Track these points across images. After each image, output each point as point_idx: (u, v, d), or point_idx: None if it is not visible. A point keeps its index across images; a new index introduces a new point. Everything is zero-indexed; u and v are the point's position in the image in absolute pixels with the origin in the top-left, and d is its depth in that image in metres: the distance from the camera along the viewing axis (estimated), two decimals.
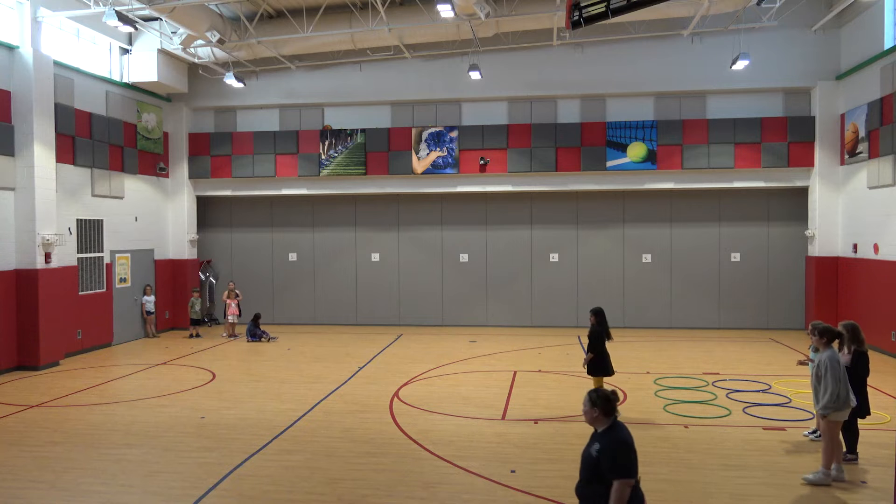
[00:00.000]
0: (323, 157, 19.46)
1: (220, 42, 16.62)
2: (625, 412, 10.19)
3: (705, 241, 19.31)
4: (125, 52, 18.20)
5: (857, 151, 16.51)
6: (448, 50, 18.85)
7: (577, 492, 4.78)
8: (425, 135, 19.04)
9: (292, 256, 20.95)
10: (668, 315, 19.40)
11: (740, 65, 16.41)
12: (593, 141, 18.44)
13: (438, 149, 18.96)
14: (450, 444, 8.94)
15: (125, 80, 18.20)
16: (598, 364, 10.15)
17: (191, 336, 18.57)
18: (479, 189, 19.25)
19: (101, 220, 17.14)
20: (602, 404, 4.72)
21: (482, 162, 18.72)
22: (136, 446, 9.00)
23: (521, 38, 18.43)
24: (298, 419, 10.26)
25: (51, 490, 7.50)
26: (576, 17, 9.24)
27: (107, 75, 17.66)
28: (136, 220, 18.52)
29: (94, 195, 16.90)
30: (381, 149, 19.23)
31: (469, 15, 15.78)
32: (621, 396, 11.08)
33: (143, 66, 18.07)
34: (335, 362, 14.80)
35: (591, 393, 4.81)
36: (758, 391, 11.79)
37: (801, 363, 9.07)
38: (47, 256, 14.62)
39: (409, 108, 19.76)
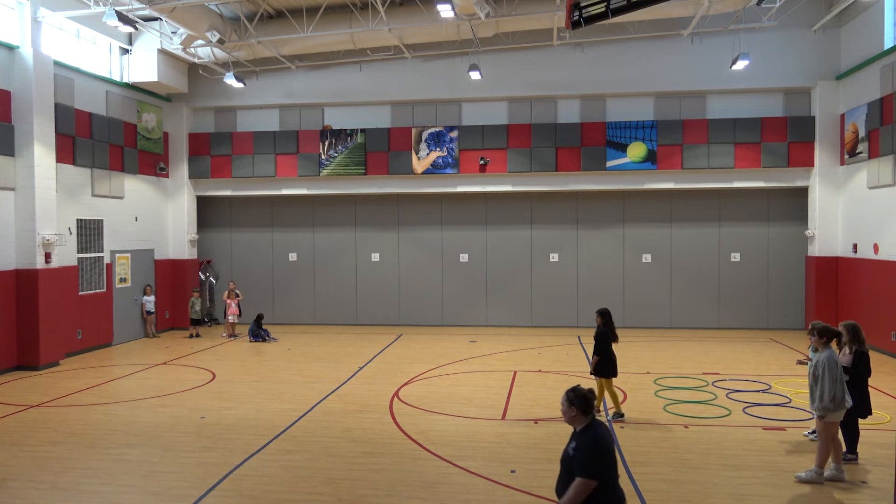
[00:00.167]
0: (323, 157, 19.46)
1: (220, 42, 16.62)
2: (625, 412, 10.20)
3: (705, 241, 19.31)
4: (125, 52, 18.20)
5: (857, 151, 16.51)
6: (448, 50, 18.85)
7: (557, 491, 4.77)
8: (425, 135, 19.04)
9: (292, 256, 20.95)
10: (668, 315, 19.40)
11: (740, 65, 16.41)
12: (593, 141, 18.44)
13: (438, 149, 18.96)
14: (450, 444, 8.94)
15: (125, 80, 18.20)
16: (605, 365, 10.07)
17: (191, 336, 18.57)
18: (479, 189, 19.25)
19: (101, 220, 17.14)
20: (580, 403, 4.72)
21: (482, 162, 18.72)
22: (136, 446, 9.00)
23: (521, 38, 18.43)
24: (298, 419, 10.26)
25: (51, 490, 7.50)
26: (576, 17, 9.24)
27: (107, 75, 17.67)
28: (136, 220, 18.53)
29: (94, 195, 16.91)
30: (381, 149, 19.23)
31: (469, 15, 15.78)
32: (621, 396, 11.08)
33: (143, 66, 18.08)
34: (335, 362, 14.80)
35: (568, 392, 4.80)
36: (758, 391, 11.79)
37: (800, 363, 9.07)
38: (47, 256, 14.62)
39: (409, 108, 19.76)
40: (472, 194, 19.86)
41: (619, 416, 10.07)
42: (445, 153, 18.93)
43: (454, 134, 18.91)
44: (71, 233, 15.96)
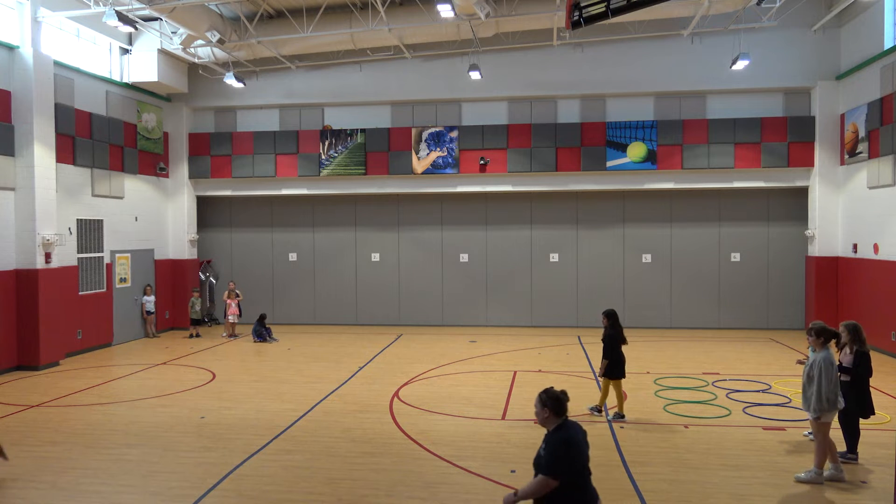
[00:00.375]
0: (323, 157, 19.46)
1: (220, 42, 16.62)
2: (625, 412, 10.19)
3: (705, 241, 19.30)
4: (125, 52, 18.20)
5: (857, 151, 16.51)
6: (448, 50, 18.85)
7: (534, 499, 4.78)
8: (425, 135, 19.04)
9: (292, 256, 20.95)
10: (668, 315, 19.40)
11: (740, 65, 16.41)
12: (593, 141, 18.44)
13: (438, 149, 18.96)
14: (450, 444, 8.94)
15: (125, 80, 18.21)
16: (614, 367, 9.98)
17: (191, 336, 18.57)
18: (479, 189, 19.25)
19: (101, 220, 17.14)
20: (552, 405, 4.74)
21: (482, 162, 18.72)
22: (136, 446, 9.00)
23: (521, 38, 18.43)
24: (298, 419, 10.26)
25: (51, 490, 7.50)
26: (576, 17, 9.24)
27: (107, 75, 17.67)
28: (136, 220, 18.53)
29: (94, 195, 16.91)
30: (381, 149, 19.23)
31: (469, 15, 15.78)
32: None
33: (143, 66, 18.08)
34: (335, 362, 14.80)
35: (541, 394, 4.82)
36: (758, 391, 11.79)
37: (800, 363, 9.03)
38: (47, 256, 14.62)
39: (409, 108, 19.76)
40: (472, 194, 19.86)
41: (619, 416, 10.06)
42: (445, 153, 18.93)
43: (454, 134, 18.91)
44: (71, 233, 15.96)
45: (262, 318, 18.03)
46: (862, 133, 16.23)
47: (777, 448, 8.72)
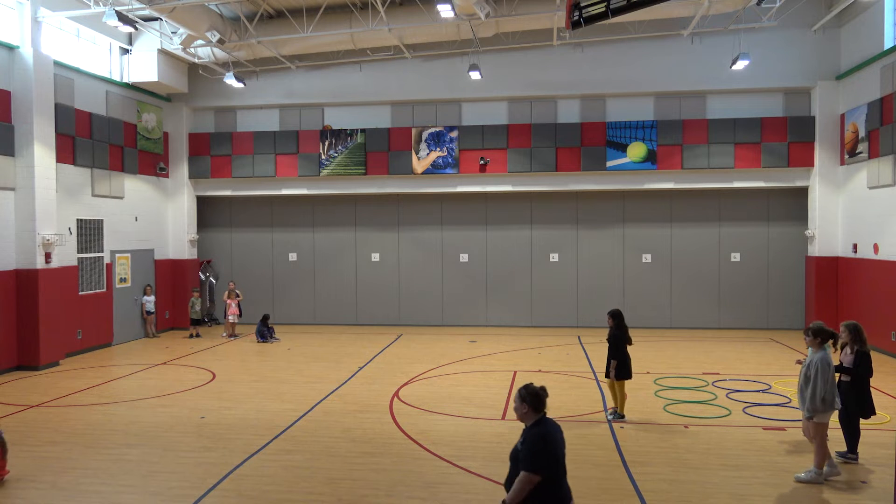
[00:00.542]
0: (323, 157, 19.46)
1: (220, 42, 16.62)
2: (625, 412, 10.18)
3: (705, 241, 19.30)
4: (125, 52, 18.20)
5: (857, 151, 16.51)
6: (448, 50, 18.85)
7: (506, 486, 4.84)
8: (425, 135, 19.04)
9: (292, 256, 20.95)
10: (668, 315, 19.40)
11: (740, 65, 16.41)
12: (593, 141, 18.44)
13: (438, 149, 18.96)
14: (450, 444, 8.94)
15: (125, 80, 18.20)
16: (620, 368, 9.93)
17: (191, 336, 18.57)
18: (479, 189, 19.25)
19: (101, 220, 17.14)
20: (531, 400, 4.80)
21: (482, 162, 18.72)
22: (136, 446, 9.00)
23: (521, 38, 18.43)
24: (298, 419, 10.26)
25: (51, 490, 7.51)
26: (576, 17, 9.23)
27: (107, 75, 17.67)
28: (136, 220, 18.53)
29: (94, 195, 16.91)
30: (381, 149, 19.23)
31: (469, 15, 15.78)
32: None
33: (143, 66, 18.08)
34: (335, 362, 14.80)
35: (520, 390, 4.88)
36: (758, 391, 11.79)
37: (799, 363, 9.03)
38: (47, 256, 14.62)
39: (409, 108, 19.76)
40: (472, 194, 19.86)
41: (619, 416, 10.06)
42: (445, 153, 18.93)
43: (454, 134, 18.91)
44: (71, 233, 15.96)
45: (265, 318, 18.03)
46: (862, 133, 16.23)
47: (777, 448, 8.72)
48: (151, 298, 18.59)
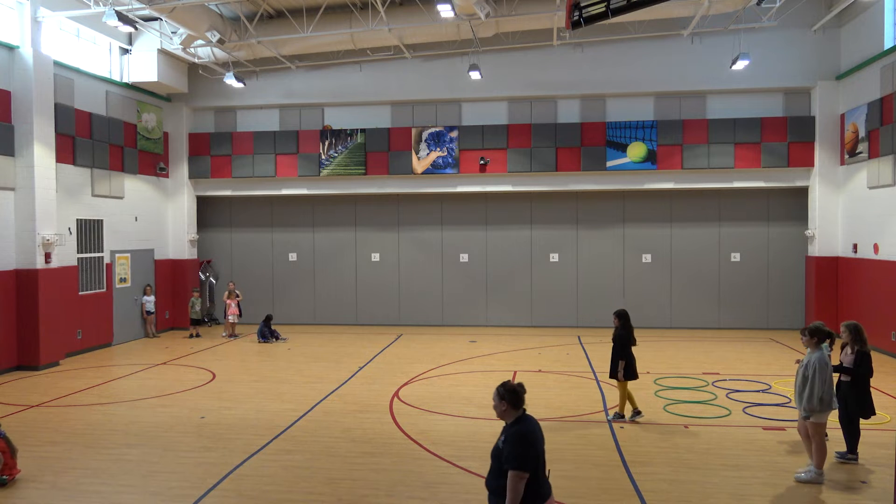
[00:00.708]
0: (323, 157, 19.46)
1: (220, 42, 16.62)
2: (625, 413, 10.18)
3: (705, 241, 19.30)
4: (125, 52, 18.20)
5: (857, 151, 16.51)
6: (448, 50, 18.85)
7: (487, 484, 4.85)
8: (425, 135, 19.04)
9: (292, 256, 20.95)
10: (668, 315, 19.40)
11: (740, 65, 16.41)
12: (593, 141, 18.44)
13: (438, 149, 18.96)
14: (450, 444, 8.94)
15: (125, 80, 18.20)
16: (625, 369, 9.92)
17: (191, 336, 18.57)
18: (479, 189, 19.25)
19: (101, 220, 17.14)
20: (510, 398, 4.81)
21: (482, 162, 18.72)
22: (136, 446, 9.00)
23: (521, 38, 18.43)
24: (298, 419, 10.26)
25: (51, 490, 7.51)
26: (576, 17, 9.23)
27: (107, 75, 17.67)
28: (136, 220, 18.53)
29: (94, 195, 16.91)
30: (381, 149, 19.23)
31: (469, 15, 15.78)
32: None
33: (143, 66, 18.08)
34: (335, 362, 14.80)
35: (499, 387, 4.89)
36: (758, 391, 11.79)
37: (798, 362, 9.05)
38: (47, 256, 14.62)
39: (409, 108, 19.76)
40: (472, 194, 19.86)
41: (619, 416, 10.06)
42: (445, 153, 18.94)
43: (454, 134, 18.91)
44: (71, 233, 15.96)
45: (267, 318, 18.02)
46: (862, 133, 16.23)
47: (777, 448, 8.72)
48: (151, 298, 18.59)
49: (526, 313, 19.90)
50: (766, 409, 10.52)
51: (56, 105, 15.21)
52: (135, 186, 18.49)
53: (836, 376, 8.18)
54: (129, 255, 18.16)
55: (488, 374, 13.49)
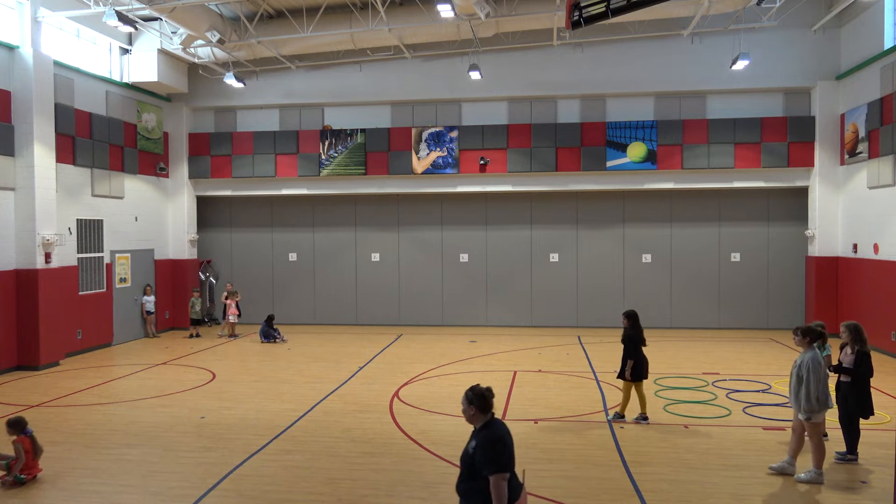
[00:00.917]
0: (323, 157, 19.46)
1: (220, 42, 16.62)
2: (625, 413, 10.18)
3: (705, 241, 19.30)
4: (125, 52, 18.20)
5: (857, 151, 16.51)
6: (448, 50, 18.85)
7: (457, 488, 4.84)
8: (425, 135, 19.04)
9: (292, 256, 20.95)
10: (668, 315, 19.40)
11: (740, 65, 16.41)
12: (593, 141, 18.44)
13: (438, 149, 18.96)
14: (450, 444, 8.93)
15: (125, 80, 18.20)
16: (633, 369, 9.92)
17: (191, 336, 18.57)
18: (479, 189, 19.25)
19: (101, 220, 17.14)
20: (478, 402, 4.81)
21: (482, 162, 18.72)
22: (136, 446, 9.00)
23: (521, 38, 18.43)
24: (298, 419, 10.26)
25: (51, 490, 7.51)
26: (576, 17, 9.23)
27: (107, 75, 17.67)
28: (136, 220, 18.53)
29: (94, 195, 16.90)
30: (381, 149, 19.23)
31: (469, 15, 15.78)
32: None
33: (143, 66, 18.08)
34: (335, 362, 14.80)
35: (467, 391, 4.88)
36: (758, 391, 11.79)
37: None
38: (47, 256, 14.62)
39: (409, 108, 19.76)
40: (472, 194, 19.86)
41: (619, 416, 10.06)
42: (445, 153, 18.93)
43: (454, 134, 18.91)
44: (71, 233, 15.96)
45: (269, 318, 18.01)
46: (862, 133, 16.23)
47: (777, 448, 8.71)
48: (151, 298, 18.59)
49: (526, 313, 19.90)
50: (765, 409, 10.53)
51: (56, 105, 15.21)
52: (135, 186, 18.49)
53: (836, 376, 8.19)
54: (129, 255, 18.16)
55: (488, 374, 13.48)
